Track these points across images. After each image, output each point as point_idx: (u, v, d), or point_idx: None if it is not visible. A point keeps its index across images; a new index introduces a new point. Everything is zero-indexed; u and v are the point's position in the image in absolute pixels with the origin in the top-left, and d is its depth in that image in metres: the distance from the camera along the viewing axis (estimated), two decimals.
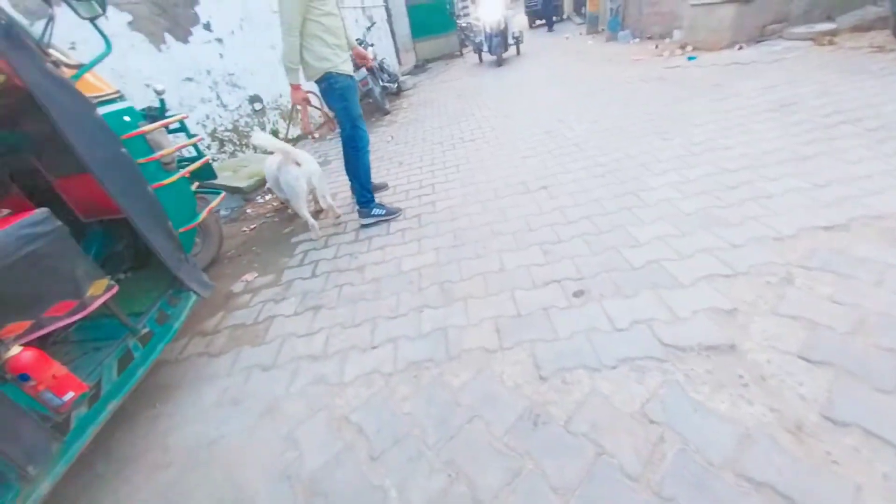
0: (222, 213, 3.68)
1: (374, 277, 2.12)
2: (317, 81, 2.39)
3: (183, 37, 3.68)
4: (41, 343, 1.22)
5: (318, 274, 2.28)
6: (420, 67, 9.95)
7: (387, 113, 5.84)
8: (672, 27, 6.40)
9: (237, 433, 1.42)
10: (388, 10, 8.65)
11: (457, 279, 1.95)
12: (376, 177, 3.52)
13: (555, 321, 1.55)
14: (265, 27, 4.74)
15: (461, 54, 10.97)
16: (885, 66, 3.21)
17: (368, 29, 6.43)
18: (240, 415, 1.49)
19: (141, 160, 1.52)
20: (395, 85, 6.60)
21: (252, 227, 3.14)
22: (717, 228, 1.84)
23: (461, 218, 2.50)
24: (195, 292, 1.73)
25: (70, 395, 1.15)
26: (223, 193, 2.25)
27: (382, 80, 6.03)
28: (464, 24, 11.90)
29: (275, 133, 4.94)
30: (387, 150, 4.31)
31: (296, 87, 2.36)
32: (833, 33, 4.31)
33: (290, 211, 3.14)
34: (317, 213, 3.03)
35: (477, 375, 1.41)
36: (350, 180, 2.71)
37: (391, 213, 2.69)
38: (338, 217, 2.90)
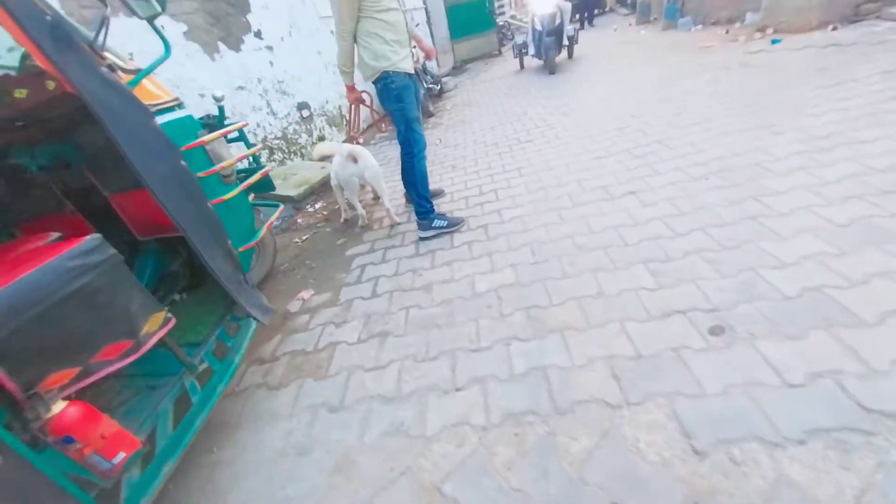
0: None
1: (445, 299, 1.86)
2: (374, 82, 2.20)
3: (235, 45, 3.62)
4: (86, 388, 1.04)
5: (380, 293, 2.05)
6: (458, 68, 9.73)
7: (431, 115, 5.64)
8: (743, 10, 5.77)
9: (307, 495, 1.19)
10: (427, 11, 8.50)
11: (545, 304, 1.64)
12: (430, 182, 3.29)
13: (694, 368, 1.21)
14: (312, 32, 4.66)
15: (500, 53, 10.66)
16: None
17: None
18: (308, 469, 1.26)
19: (201, 174, 1.34)
20: (438, 86, 6.39)
21: (304, 237, 2.98)
22: (891, 245, 1.43)
23: (536, 229, 2.19)
24: (255, 319, 1.54)
25: (121, 455, 0.96)
26: (281, 206, 2.08)
27: (426, 82, 5.84)
28: (501, 23, 11.61)
29: (321, 138, 4.85)
30: (437, 153, 4.07)
31: (350, 88, 2.32)
32: None
33: (343, 219, 2.97)
34: (371, 223, 2.84)
35: (603, 441, 1.10)
36: (406, 188, 2.49)
37: (453, 224, 2.43)
38: (395, 224, 2.73)
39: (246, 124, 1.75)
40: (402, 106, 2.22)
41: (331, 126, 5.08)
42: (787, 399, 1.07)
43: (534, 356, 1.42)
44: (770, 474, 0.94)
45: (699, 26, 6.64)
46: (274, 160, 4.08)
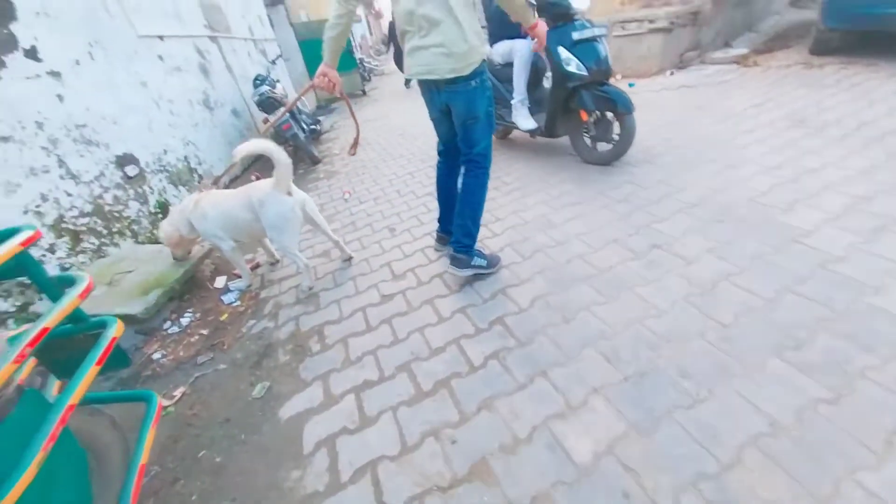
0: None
1: (534, 496, 1.05)
2: (461, 79, 1.59)
3: None
4: None
5: None
6: (324, 108, 8.82)
7: (318, 161, 4.63)
8: None
9: None
10: (279, 45, 7.43)
11: (712, 469, 1.02)
12: (362, 253, 2.47)
13: None
14: (129, 56, 3.23)
15: (364, 93, 10.17)
16: (840, 79, 3.43)
17: (273, 62, 5.18)
18: None
19: None
20: (318, 127, 5.41)
21: (177, 393, 1.69)
22: None
23: (580, 315, 1.59)
24: None
25: None
26: (158, 402, 0.93)
27: (305, 123, 4.82)
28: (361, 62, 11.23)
29: (162, 205, 3.34)
30: (351, 212, 3.16)
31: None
32: (747, 56, 4.76)
33: (246, 324, 1.81)
34: (303, 339, 1.78)
35: None
36: (460, 215, 1.83)
37: (493, 264, 1.97)
38: (349, 258, 2.38)
39: (37, 235, 0.65)
40: (491, 111, 1.74)
41: (176, 185, 3.61)
42: None
43: None
44: None
45: None
46: (83, 252, 2.50)
